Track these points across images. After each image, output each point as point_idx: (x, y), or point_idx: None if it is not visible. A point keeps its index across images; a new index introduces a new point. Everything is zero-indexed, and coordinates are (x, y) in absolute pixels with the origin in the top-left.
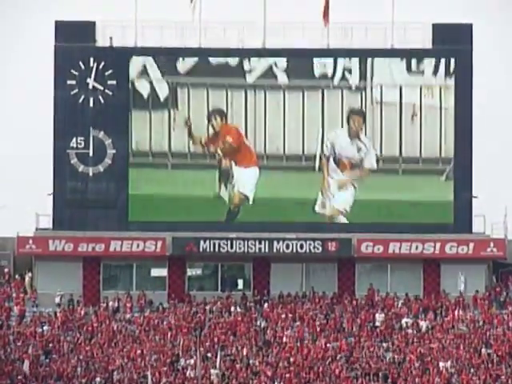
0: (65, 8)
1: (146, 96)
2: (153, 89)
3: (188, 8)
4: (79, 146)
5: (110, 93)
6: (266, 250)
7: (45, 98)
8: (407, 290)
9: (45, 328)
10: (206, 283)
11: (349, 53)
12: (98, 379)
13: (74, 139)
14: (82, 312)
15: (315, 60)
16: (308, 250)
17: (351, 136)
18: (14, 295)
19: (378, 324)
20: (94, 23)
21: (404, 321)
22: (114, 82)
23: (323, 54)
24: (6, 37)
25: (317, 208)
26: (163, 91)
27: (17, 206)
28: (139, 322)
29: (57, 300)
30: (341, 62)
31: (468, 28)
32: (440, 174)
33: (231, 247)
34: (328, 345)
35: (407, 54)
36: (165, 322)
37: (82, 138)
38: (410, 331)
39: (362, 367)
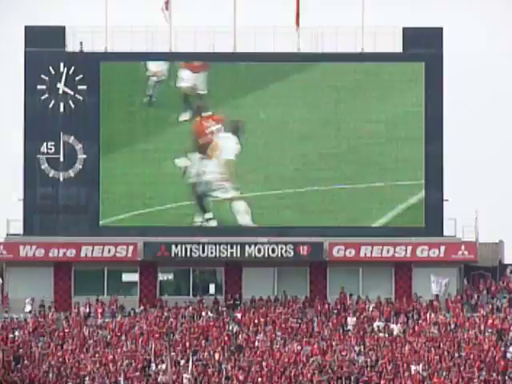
0: (35, 13)
1: None
2: None
3: (159, 13)
4: (50, 151)
5: (81, 98)
6: (238, 255)
7: (15, 103)
8: (379, 293)
9: (16, 333)
10: (177, 288)
11: (319, 57)
12: None
13: (45, 144)
14: (54, 317)
15: None
16: (280, 254)
17: None
18: None
19: (349, 327)
20: (63, 28)
21: (376, 324)
22: (85, 87)
23: (294, 59)
24: None
25: None
26: None
27: None
28: (111, 328)
29: (27, 308)
30: None
31: (438, 32)
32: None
33: (203, 252)
34: (300, 348)
35: (378, 58)
36: (136, 327)
37: (53, 143)
38: (381, 335)
39: (334, 371)
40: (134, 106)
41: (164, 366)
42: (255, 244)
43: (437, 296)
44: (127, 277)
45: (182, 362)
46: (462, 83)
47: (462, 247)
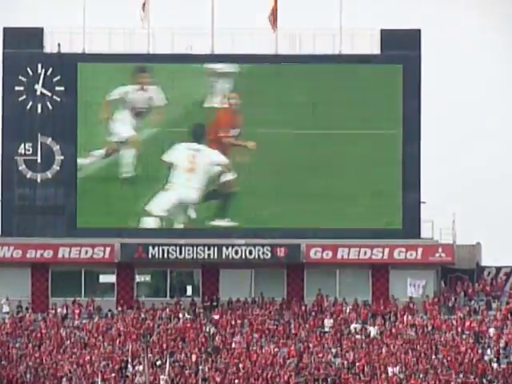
0: (13, 14)
1: None
2: None
3: (137, 15)
4: (27, 153)
5: (58, 99)
6: (215, 256)
7: None
8: (356, 295)
9: None
10: (154, 289)
11: (297, 59)
12: None
13: (22, 146)
14: (31, 319)
15: None
16: (257, 256)
17: None
18: None
19: (326, 329)
20: (41, 29)
21: (353, 326)
22: (62, 88)
23: (272, 60)
24: None
25: None
26: None
27: None
28: (88, 329)
29: (4, 309)
30: None
31: (416, 33)
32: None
33: (180, 253)
34: (277, 350)
35: (355, 60)
36: (113, 329)
37: (30, 145)
38: (358, 337)
39: (311, 373)
40: (111, 107)
41: (141, 368)
42: (232, 246)
43: (410, 298)
44: (104, 278)
45: (159, 363)
46: (439, 85)
47: (440, 249)
